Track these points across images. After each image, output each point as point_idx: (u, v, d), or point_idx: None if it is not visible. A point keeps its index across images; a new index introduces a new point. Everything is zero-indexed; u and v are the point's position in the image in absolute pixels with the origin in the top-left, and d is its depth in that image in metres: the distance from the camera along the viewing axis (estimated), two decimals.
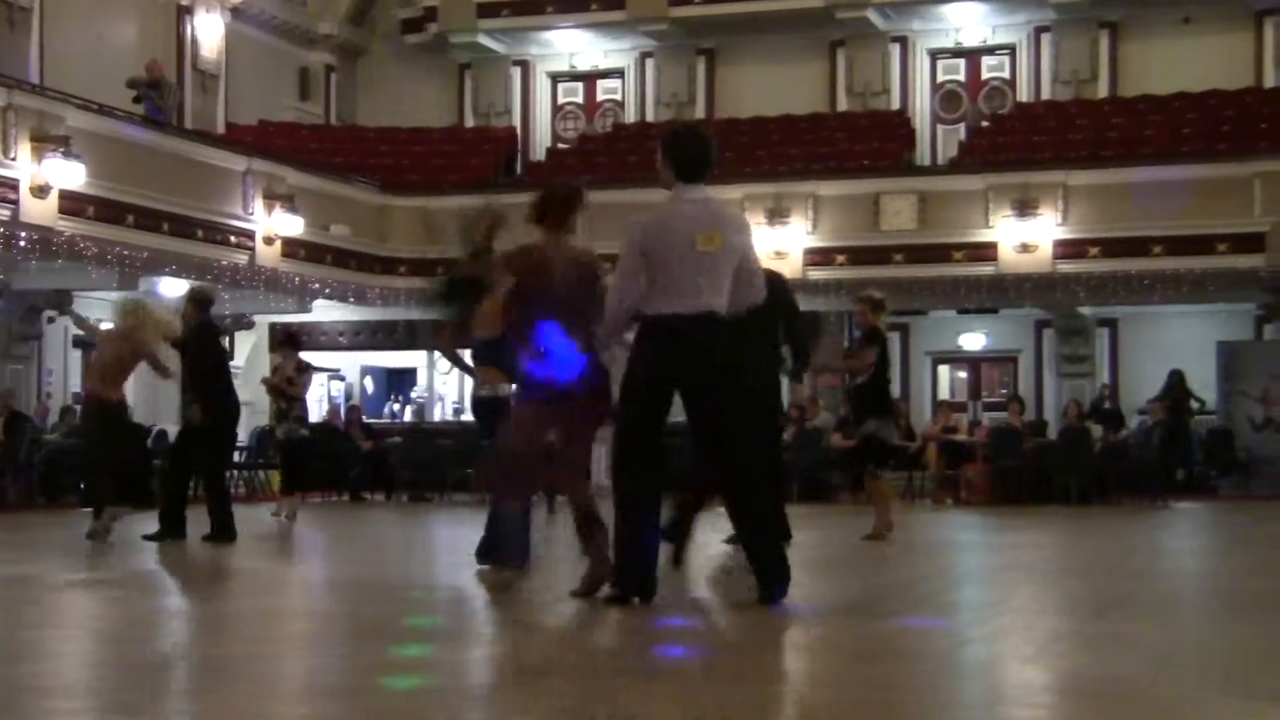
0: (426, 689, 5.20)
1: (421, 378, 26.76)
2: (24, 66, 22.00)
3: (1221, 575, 10.12)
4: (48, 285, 20.32)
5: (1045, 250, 22.04)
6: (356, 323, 25.72)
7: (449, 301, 9.33)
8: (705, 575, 9.26)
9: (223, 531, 12.05)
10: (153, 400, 21.11)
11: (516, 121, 28.80)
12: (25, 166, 17.97)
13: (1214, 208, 21.35)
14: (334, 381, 26.68)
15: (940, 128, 27.32)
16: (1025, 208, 21.99)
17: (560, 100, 29.29)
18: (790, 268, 22.42)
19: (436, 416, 25.83)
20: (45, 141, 18.05)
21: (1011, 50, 27.21)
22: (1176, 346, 23.56)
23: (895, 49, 27.34)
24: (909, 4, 26.63)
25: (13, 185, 17.89)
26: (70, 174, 18.23)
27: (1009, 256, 22.16)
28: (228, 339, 22.34)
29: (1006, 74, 27.24)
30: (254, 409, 20.48)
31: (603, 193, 23.45)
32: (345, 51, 29.52)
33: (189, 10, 25.50)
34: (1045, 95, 26.70)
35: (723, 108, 27.87)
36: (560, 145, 28.41)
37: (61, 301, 19.97)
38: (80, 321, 14.56)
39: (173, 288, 20.81)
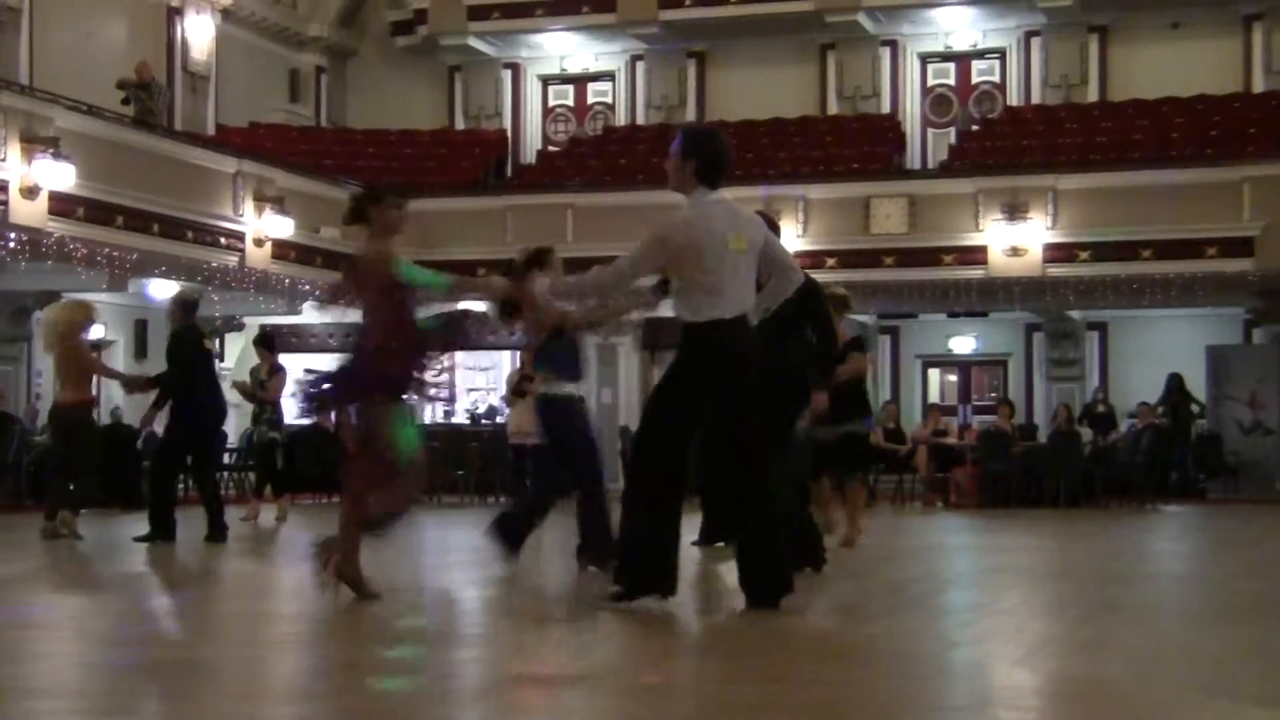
0: (412, 690, 5.20)
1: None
2: (13, 67, 21.96)
3: (1209, 578, 10.14)
4: (37, 286, 20.25)
5: (1035, 254, 22.07)
6: (347, 325, 25.58)
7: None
8: (688, 578, 9.26)
9: (215, 532, 12.08)
10: (143, 402, 21.05)
11: (507, 124, 28.80)
12: (14, 167, 17.94)
13: (1203, 212, 21.40)
14: (325, 385, 26.61)
15: (930, 131, 27.35)
16: (1015, 211, 22.02)
17: (551, 103, 29.29)
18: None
19: (427, 419, 25.78)
20: (34, 142, 18.01)
21: (1001, 54, 27.25)
22: (1166, 350, 23.60)
23: (885, 53, 27.37)
24: (899, 8, 26.65)
25: (2, 186, 17.85)
26: (60, 175, 18.19)
27: (999, 260, 22.19)
28: (218, 341, 22.29)
29: (996, 78, 27.27)
30: (243, 411, 20.44)
31: (593, 195, 23.67)
32: (335, 54, 29.50)
33: (179, 12, 25.47)
34: (1035, 99, 26.74)
35: (713, 111, 27.87)
36: (550, 148, 28.41)
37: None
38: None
39: (162, 289, 20.78)
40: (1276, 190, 21.24)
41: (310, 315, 24.48)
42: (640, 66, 28.53)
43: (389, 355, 7.54)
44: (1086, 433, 20.90)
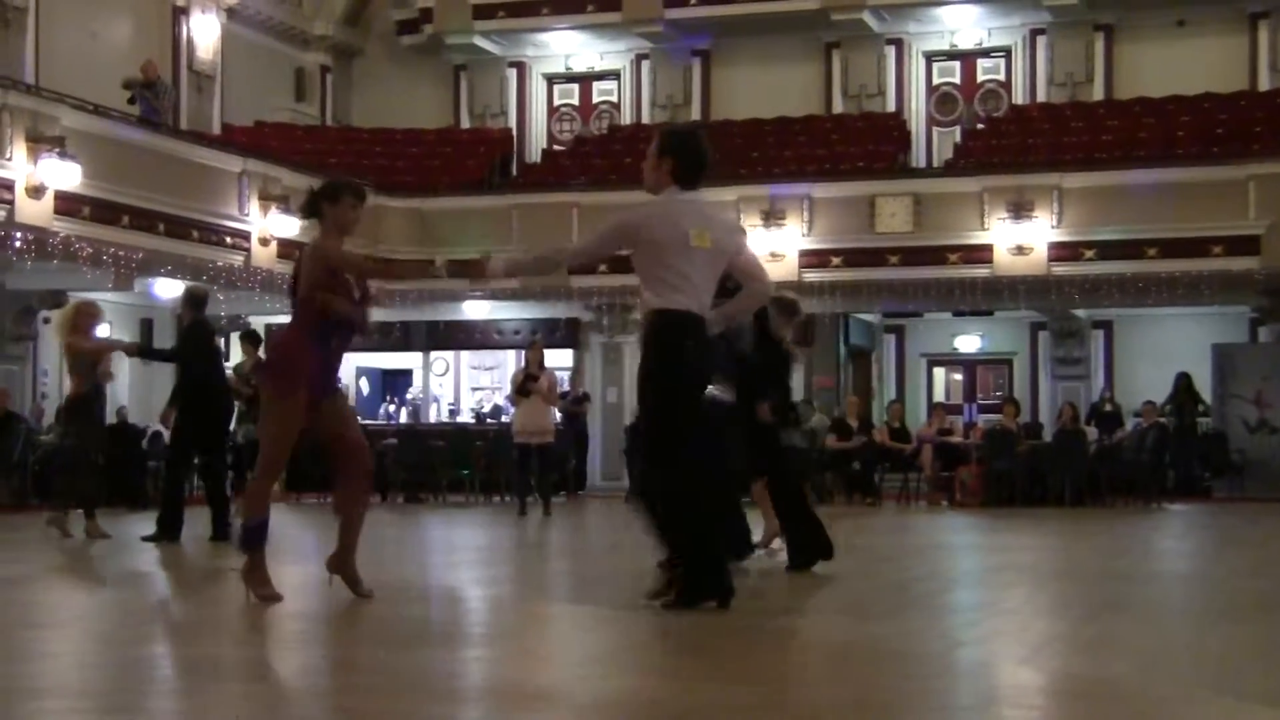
0: (414, 690, 5.21)
1: (417, 379, 26.75)
2: (19, 66, 21.98)
3: (1214, 577, 10.13)
4: (43, 286, 20.30)
5: (1040, 252, 22.06)
6: None
7: None
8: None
9: (218, 530, 12.10)
10: (148, 400, 21.12)
11: (512, 123, 28.80)
12: (20, 167, 17.95)
13: (1209, 210, 21.37)
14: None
15: (935, 130, 27.33)
16: (1020, 210, 22.00)
17: (556, 102, 29.29)
18: (786, 270, 22.45)
19: (432, 418, 25.82)
20: (40, 142, 18.02)
21: (1007, 53, 27.23)
22: (1171, 349, 23.59)
23: (890, 51, 27.35)
24: (904, 6, 26.64)
25: (8, 186, 17.86)
26: (65, 174, 18.20)
27: (1004, 259, 22.18)
28: (223, 340, 22.31)
29: (1001, 76, 27.26)
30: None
31: (598, 194, 23.66)
32: (340, 52, 29.51)
33: (184, 11, 25.48)
34: (1040, 98, 26.72)
35: (718, 109, 27.88)
36: (555, 147, 28.41)
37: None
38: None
39: (168, 288, 20.81)
40: None
41: None
42: (645, 65, 28.52)
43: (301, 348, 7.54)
44: (1092, 431, 20.91)
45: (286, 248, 22.21)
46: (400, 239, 23.83)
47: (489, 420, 24.78)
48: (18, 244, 18.01)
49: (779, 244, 22.69)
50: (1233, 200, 21.40)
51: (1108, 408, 22.56)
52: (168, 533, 12.03)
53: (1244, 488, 21.48)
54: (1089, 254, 21.94)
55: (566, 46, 28.75)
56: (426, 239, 23.49)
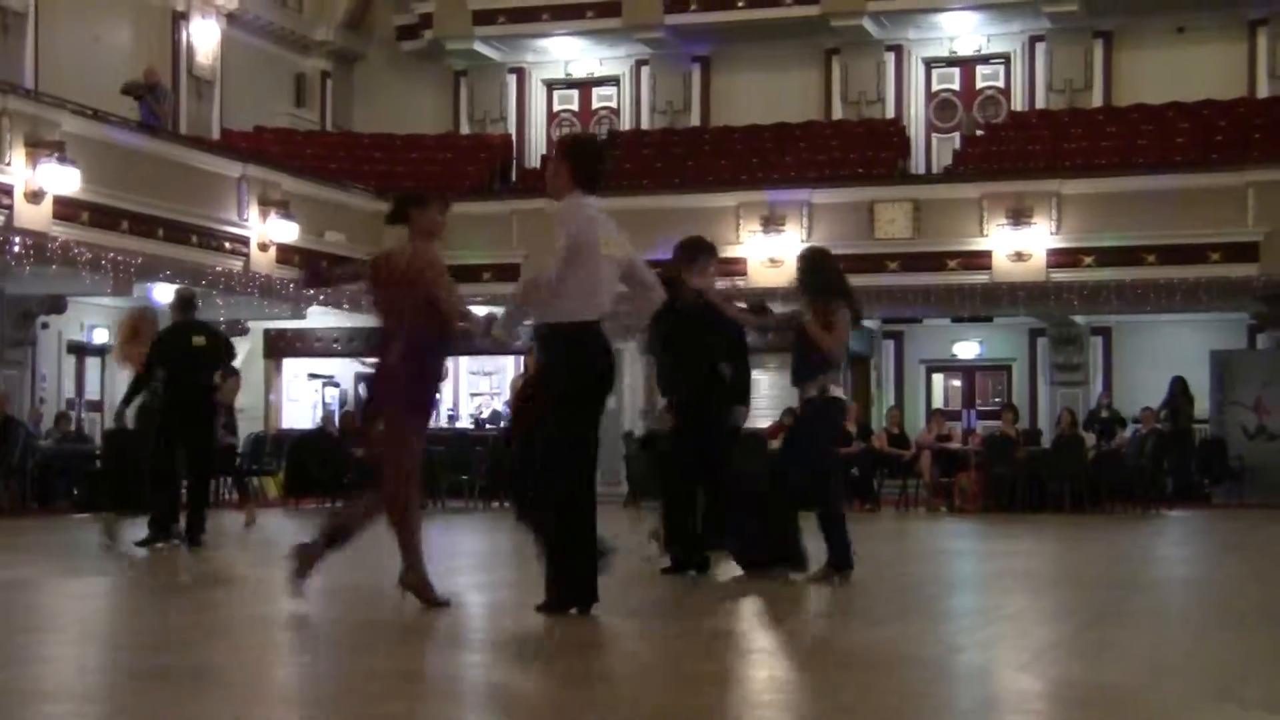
0: (413, 695, 5.21)
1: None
2: (19, 71, 21.99)
3: (1214, 584, 10.14)
4: (42, 291, 20.28)
5: (1039, 259, 22.06)
6: (351, 329, 25.69)
7: None
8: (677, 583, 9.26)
9: (190, 534, 11.98)
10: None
11: (511, 129, 28.81)
12: (19, 172, 17.95)
13: (1207, 217, 21.39)
14: (329, 388, 26.66)
15: (935, 136, 27.35)
16: (1019, 216, 22.01)
17: (555, 108, 29.30)
18: (784, 275, 22.44)
19: (430, 423, 25.78)
20: (40, 147, 18.03)
21: (1006, 59, 27.25)
22: (1170, 355, 23.58)
23: (890, 57, 27.37)
24: (904, 13, 26.65)
25: (7, 191, 17.87)
26: (65, 179, 18.21)
27: (1003, 265, 22.19)
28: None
29: (1001, 83, 27.27)
30: (248, 414, 20.49)
31: (597, 200, 23.66)
32: (341, 58, 29.52)
33: (184, 16, 25.49)
34: (1039, 104, 26.74)
35: (718, 115, 27.90)
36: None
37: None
38: None
39: (167, 293, 20.79)
40: None
41: (315, 320, 24.51)
42: (645, 71, 28.54)
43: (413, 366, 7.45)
44: (1090, 437, 20.90)
45: (285, 253, 22.23)
46: (400, 244, 23.78)
47: (488, 426, 24.77)
48: (16, 249, 18.00)
49: (778, 250, 22.70)
50: (1231, 207, 21.42)
51: (1104, 414, 22.57)
52: (161, 535, 11.94)
53: (1243, 494, 21.48)
54: (1088, 260, 21.95)
55: (566, 52, 28.77)
56: None
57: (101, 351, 23.38)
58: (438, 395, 7.70)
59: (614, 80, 28.90)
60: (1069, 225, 22.10)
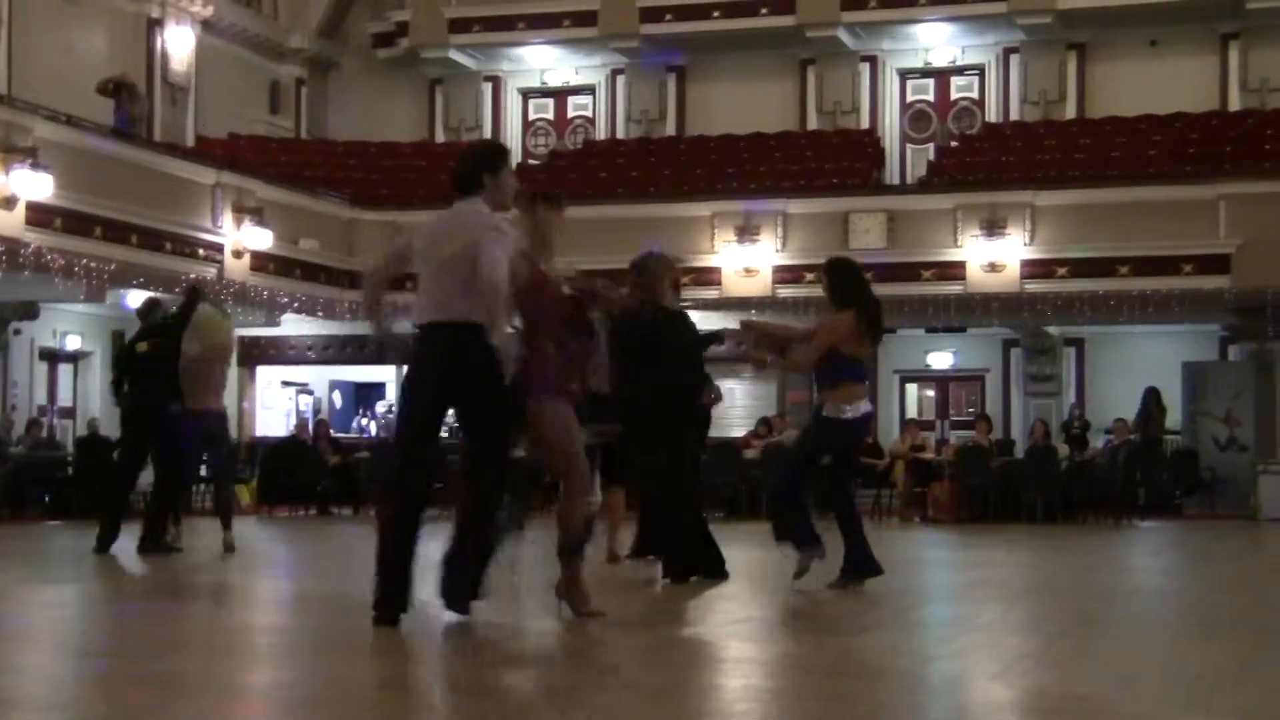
0: (388, 703, 5.20)
1: (390, 392, 26.69)
2: None
3: (1185, 594, 10.18)
4: (14, 297, 20.20)
5: (1013, 270, 22.14)
6: (325, 337, 25.65)
7: None
8: (656, 593, 9.26)
9: (143, 542, 11.85)
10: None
11: (487, 137, 28.77)
12: None
13: (1180, 229, 21.49)
14: (302, 395, 26.60)
15: (909, 147, 27.43)
16: (993, 227, 22.08)
17: (531, 116, 29.30)
18: (760, 285, 22.50)
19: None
20: (12, 153, 17.94)
21: (980, 71, 27.35)
22: (1142, 366, 23.68)
23: (865, 68, 27.44)
24: (879, 24, 26.72)
25: None
26: (38, 185, 18.12)
27: (977, 276, 22.25)
28: None
29: (975, 94, 27.37)
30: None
31: (572, 209, 23.62)
32: (316, 65, 29.47)
33: (159, 23, 25.41)
34: (1014, 116, 26.84)
35: (693, 125, 27.93)
36: (531, 161, 28.41)
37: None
38: None
39: (141, 300, 20.70)
40: (1253, 208, 21.35)
41: (289, 327, 24.45)
42: (621, 80, 28.56)
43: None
44: (1064, 448, 20.98)
45: (260, 260, 22.17)
46: (374, 252, 23.74)
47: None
48: None
49: (753, 260, 22.73)
50: (1204, 219, 21.52)
51: (1075, 427, 22.66)
52: (107, 540, 11.84)
53: (1214, 505, 21.58)
54: (1061, 271, 22.02)
55: (542, 61, 28.78)
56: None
57: (74, 358, 23.30)
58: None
59: (589, 89, 28.92)
60: (1043, 236, 22.18)
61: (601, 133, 28.56)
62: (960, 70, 27.41)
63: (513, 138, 28.98)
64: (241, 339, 24.95)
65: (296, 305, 23.20)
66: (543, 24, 27.73)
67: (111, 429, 20.18)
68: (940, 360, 26.08)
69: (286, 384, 26.51)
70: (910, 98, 27.58)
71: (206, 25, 26.40)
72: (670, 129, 28.08)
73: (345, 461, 21.67)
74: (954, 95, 27.46)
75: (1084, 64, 26.68)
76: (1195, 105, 25.31)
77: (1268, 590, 10.66)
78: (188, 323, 12.44)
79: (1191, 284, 21.38)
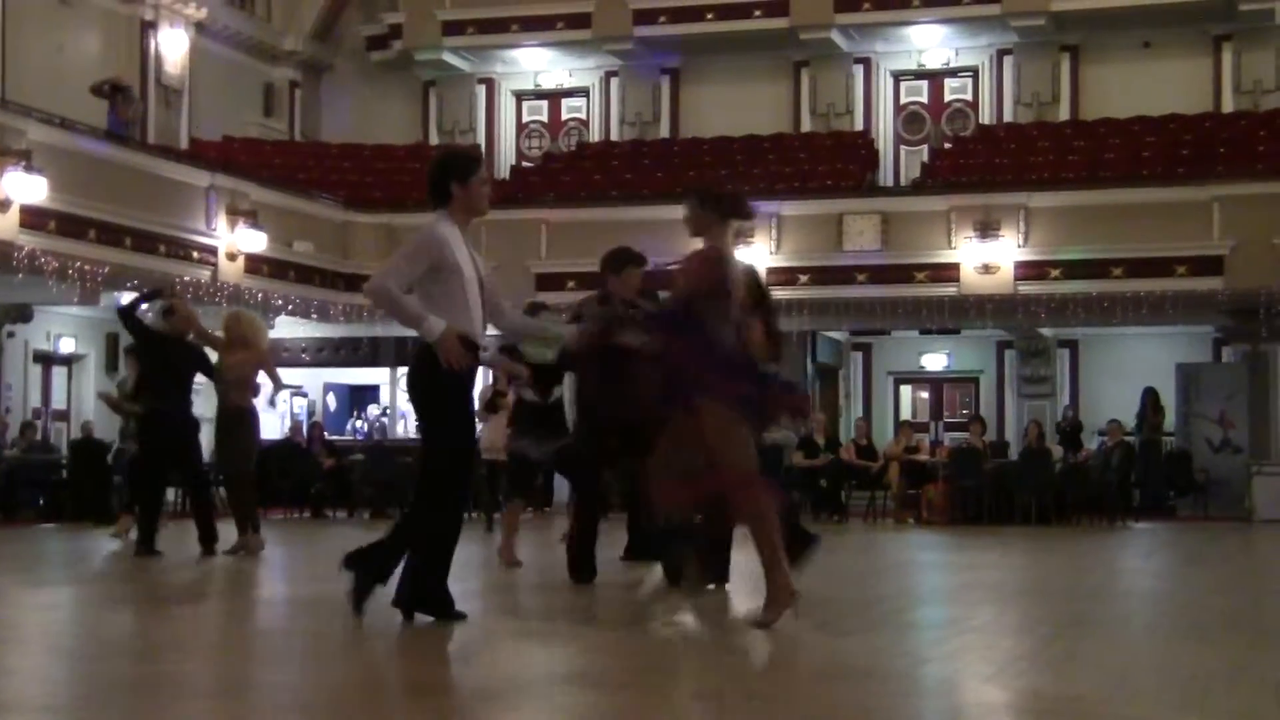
0: (382, 706, 5.20)
1: (384, 395, 26.70)
2: None
3: (1178, 595, 10.19)
4: (8, 300, 20.19)
5: (1007, 271, 22.16)
6: (319, 339, 25.65)
7: None
8: (649, 598, 9.27)
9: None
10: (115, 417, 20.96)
11: (481, 139, 28.77)
12: None
13: (1173, 231, 21.51)
14: (297, 398, 26.59)
15: (903, 149, 27.45)
16: (987, 229, 22.10)
17: (525, 118, 29.31)
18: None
19: (399, 433, 25.75)
20: (6, 155, 17.91)
21: (974, 72, 27.38)
22: (1136, 368, 23.73)
23: (859, 70, 27.47)
24: (872, 26, 26.75)
25: None
26: (31, 188, 18.10)
27: (971, 277, 22.28)
28: None
29: (969, 96, 27.40)
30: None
31: (566, 211, 23.69)
32: (310, 68, 29.47)
33: (153, 25, 25.40)
34: (1007, 118, 26.87)
35: (686, 127, 27.95)
36: (524, 164, 28.43)
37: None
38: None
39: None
40: (1246, 210, 21.38)
41: (283, 330, 24.44)
42: (614, 82, 28.57)
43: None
44: (1058, 450, 21.01)
45: (254, 262, 22.16)
46: (368, 255, 23.79)
47: None
48: None
49: (746, 262, 22.71)
50: (1197, 221, 21.55)
51: (1064, 425, 22.69)
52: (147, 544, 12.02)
53: (1208, 507, 21.61)
54: (1055, 273, 22.05)
55: (536, 63, 28.79)
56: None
57: (68, 361, 23.28)
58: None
59: (583, 91, 28.93)
60: (1036, 238, 22.21)
61: (595, 135, 28.57)
62: (954, 72, 27.45)
63: (506, 140, 29.01)
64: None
65: (291, 308, 23.20)
66: (536, 26, 27.75)
67: (106, 432, 20.24)
68: (934, 362, 26.11)
69: (283, 386, 26.44)
70: (904, 99, 27.61)
71: (200, 28, 26.38)
72: (664, 131, 28.10)
73: (339, 464, 21.68)
74: (947, 97, 27.50)
75: (1077, 66, 26.71)
76: (1188, 107, 25.35)
77: (1261, 592, 10.68)
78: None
79: (1185, 285, 21.41)
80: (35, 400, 22.68)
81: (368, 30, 29.07)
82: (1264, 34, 25.68)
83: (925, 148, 27.02)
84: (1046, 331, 23.93)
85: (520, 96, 29.27)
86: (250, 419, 12.74)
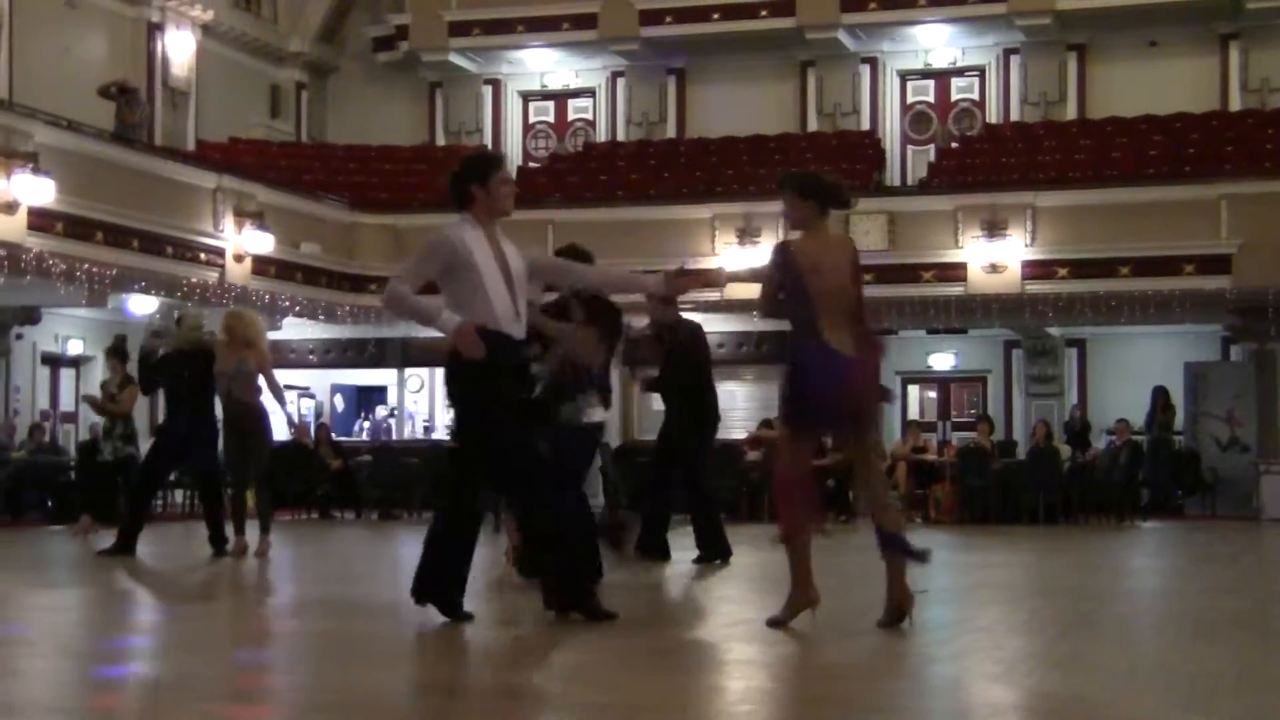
0: (390, 707, 5.20)
1: (391, 396, 26.71)
2: None
3: (1186, 595, 10.18)
4: (16, 302, 20.22)
5: (1014, 271, 22.13)
6: (326, 340, 25.66)
7: None
8: (677, 595, 9.27)
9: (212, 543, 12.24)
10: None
11: (487, 140, 28.79)
12: None
13: (1181, 229, 21.48)
14: (304, 399, 26.60)
15: (910, 148, 27.43)
16: (994, 229, 22.08)
17: (531, 119, 29.32)
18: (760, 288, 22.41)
19: (406, 434, 25.77)
20: (13, 158, 17.94)
21: (980, 72, 27.36)
22: (1144, 367, 23.69)
23: (865, 70, 27.46)
24: (879, 25, 26.73)
25: None
26: (39, 190, 18.12)
27: (978, 277, 22.25)
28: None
29: (975, 95, 27.38)
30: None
31: (573, 211, 23.69)
32: (316, 69, 29.49)
33: (159, 27, 25.44)
34: (1014, 117, 26.84)
35: (693, 127, 27.94)
36: (531, 164, 28.44)
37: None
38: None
39: (142, 305, 20.74)
40: (1254, 208, 21.34)
41: (290, 331, 24.45)
42: (621, 83, 28.58)
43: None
44: (1066, 449, 20.99)
45: (261, 264, 22.18)
46: (375, 256, 23.84)
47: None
48: None
49: (755, 262, 22.70)
50: (1204, 220, 21.51)
51: (1075, 426, 22.66)
52: (123, 547, 12.02)
53: (1215, 506, 21.58)
54: (1062, 273, 22.02)
55: (542, 64, 28.79)
56: (401, 256, 23.44)
57: (76, 363, 23.31)
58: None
59: (590, 92, 28.94)
60: (1043, 237, 22.18)
61: (602, 135, 28.58)
62: (960, 71, 27.42)
63: (513, 141, 29.01)
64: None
65: (298, 309, 23.22)
66: (542, 27, 27.75)
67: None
68: (941, 362, 26.08)
69: (288, 388, 26.47)
70: (910, 99, 27.60)
71: (206, 30, 26.42)
72: (670, 131, 28.09)
73: (346, 465, 21.69)
74: (954, 96, 27.47)
75: (1084, 65, 26.68)
76: (1195, 106, 25.32)
77: (1269, 591, 10.67)
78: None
79: (1192, 284, 21.37)
80: (43, 402, 22.70)
81: (373, 31, 29.09)
82: (1271, 32, 25.64)
83: (932, 147, 27.00)
84: (1054, 331, 23.90)
85: (526, 97, 29.28)
86: (260, 418, 12.72)
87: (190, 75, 25.98)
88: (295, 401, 25.76)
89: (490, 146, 28.62)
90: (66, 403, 23.31)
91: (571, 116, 29.07)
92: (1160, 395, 22.48)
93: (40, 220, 18.36)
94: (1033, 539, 16.39)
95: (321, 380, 26.72)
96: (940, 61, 27.40)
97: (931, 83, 27.56)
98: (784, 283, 7.20)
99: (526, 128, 29.22)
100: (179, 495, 20.09)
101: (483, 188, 7.42)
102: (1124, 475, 20.51)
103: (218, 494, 12.80)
